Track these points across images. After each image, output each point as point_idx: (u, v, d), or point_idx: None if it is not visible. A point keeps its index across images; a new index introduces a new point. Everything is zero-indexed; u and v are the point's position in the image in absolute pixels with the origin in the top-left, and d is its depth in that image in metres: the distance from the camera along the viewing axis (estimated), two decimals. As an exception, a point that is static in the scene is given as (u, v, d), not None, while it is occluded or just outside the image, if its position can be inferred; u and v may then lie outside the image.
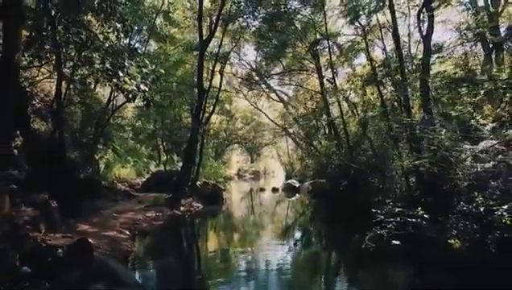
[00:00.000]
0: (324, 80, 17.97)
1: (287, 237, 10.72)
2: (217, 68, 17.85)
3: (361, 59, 18.97)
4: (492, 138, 6.88)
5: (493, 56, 12.53)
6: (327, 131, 20.49)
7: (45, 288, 4.07)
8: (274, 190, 24.63)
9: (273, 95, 29.38)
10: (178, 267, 7.46)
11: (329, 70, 17.23)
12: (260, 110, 31.18)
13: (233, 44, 19.32)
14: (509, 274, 5.11)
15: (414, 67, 12.53)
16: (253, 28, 17.88)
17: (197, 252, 9.14)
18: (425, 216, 5.74)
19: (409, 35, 14.11)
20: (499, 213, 5.60)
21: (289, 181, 25.70)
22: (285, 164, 37.44)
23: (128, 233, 8.91)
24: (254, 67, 24.76)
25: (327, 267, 7.92)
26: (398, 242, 5.53)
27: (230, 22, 15.54)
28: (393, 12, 10.76)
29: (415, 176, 8.81)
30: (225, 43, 17.82)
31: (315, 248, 9.73)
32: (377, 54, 16.90)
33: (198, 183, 16.87)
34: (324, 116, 18.32)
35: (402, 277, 6.56)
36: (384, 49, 11.50)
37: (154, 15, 13.89)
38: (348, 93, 14.44)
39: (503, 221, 5.51)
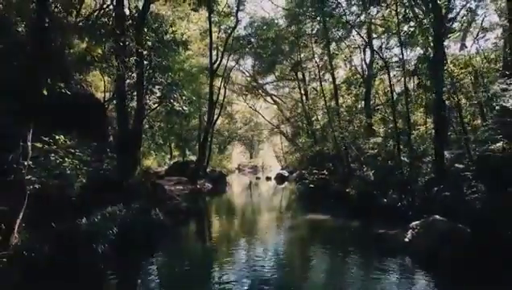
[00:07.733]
0: (306, 89, 23.34)
1: (262, 197, 19.56)
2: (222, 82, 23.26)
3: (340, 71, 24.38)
4: (379, 136, 12.27)
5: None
6: (309, 131, 25.77)
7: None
8: (268, 179, 29.86)
9: (268, 98, 34.43)
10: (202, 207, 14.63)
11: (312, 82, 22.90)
12: (257, 112, 36.00)
13: (235, 63, 24.83)
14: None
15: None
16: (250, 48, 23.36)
17: (210, 204, 16.41)
18: (326, 173, 11.23)
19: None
20: (370, 174, 11.01)
21: (280, 172, 30.93)
22: (279, 158, 42.48)
23: (169, 195, 14.35)
24: (252, 74, 29.87)
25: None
26: (312, 186, 11.02)
27: (232, 52, 21.05)
28: (329, 53, 16.09)
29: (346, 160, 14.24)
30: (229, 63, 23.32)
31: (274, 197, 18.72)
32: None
33: (208, 170, 22.34)
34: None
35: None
36: (333, 78, 16.85)
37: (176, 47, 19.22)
38: (312, 104, 19.90)
39: (370, 179, 10.93)
